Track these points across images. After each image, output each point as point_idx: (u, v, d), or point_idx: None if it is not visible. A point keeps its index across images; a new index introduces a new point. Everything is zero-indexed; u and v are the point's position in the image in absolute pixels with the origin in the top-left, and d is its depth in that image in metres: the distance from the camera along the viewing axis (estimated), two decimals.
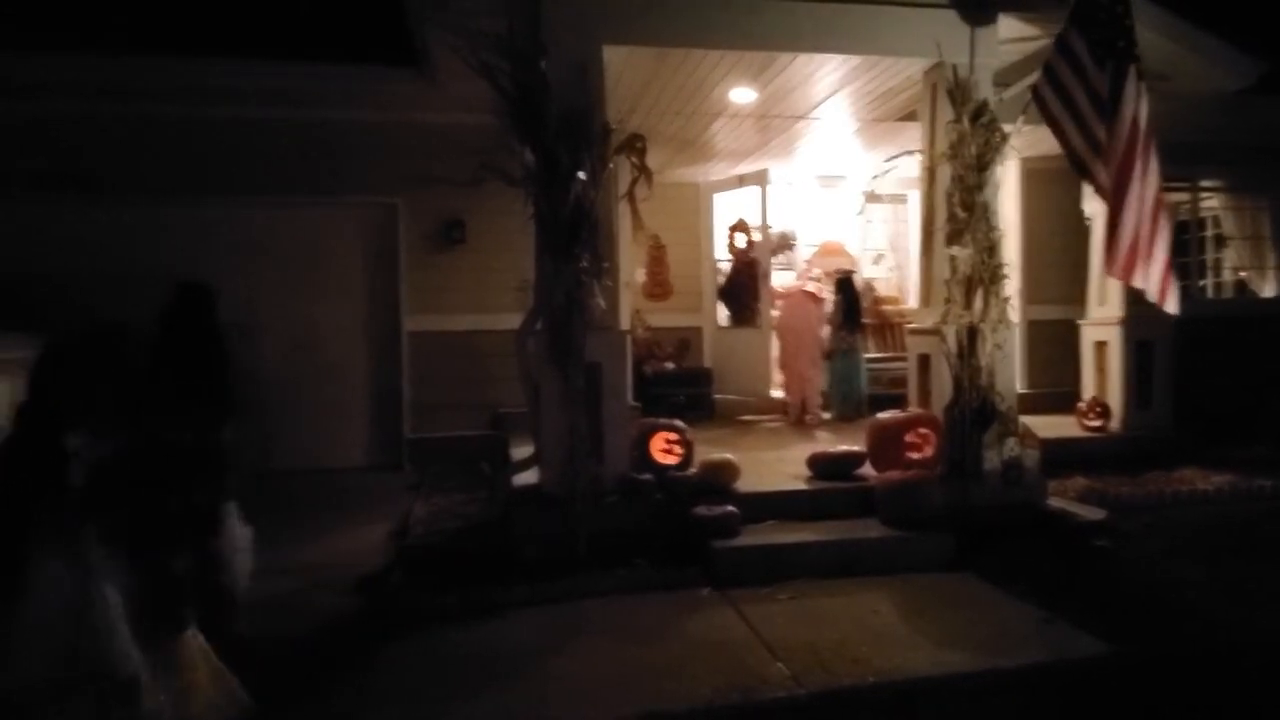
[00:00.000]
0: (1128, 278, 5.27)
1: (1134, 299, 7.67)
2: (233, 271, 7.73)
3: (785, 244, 10.26)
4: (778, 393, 9.25)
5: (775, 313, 9.07)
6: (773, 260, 9.62)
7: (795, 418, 8.43)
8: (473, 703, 3.39)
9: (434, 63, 6.71)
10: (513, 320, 5.70)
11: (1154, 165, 5.12)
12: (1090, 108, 5.29)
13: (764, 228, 9.34)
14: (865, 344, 9.28)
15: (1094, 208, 8.17)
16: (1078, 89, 5.34)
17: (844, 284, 8.87)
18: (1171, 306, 5.25)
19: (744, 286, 9.52)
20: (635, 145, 5.23)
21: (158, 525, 2.72)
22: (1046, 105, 5.51)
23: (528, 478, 5.47)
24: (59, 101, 7.37)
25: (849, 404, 8.63)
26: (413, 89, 7.52)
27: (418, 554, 5.07)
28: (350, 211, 8.13)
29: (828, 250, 10.38)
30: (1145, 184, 5.10)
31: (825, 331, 8.64)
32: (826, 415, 8.52)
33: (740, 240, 9.55)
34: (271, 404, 7.70)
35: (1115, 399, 7.68)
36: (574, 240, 4.97)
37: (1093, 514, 5.57)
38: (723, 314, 9.93)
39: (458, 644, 3.93)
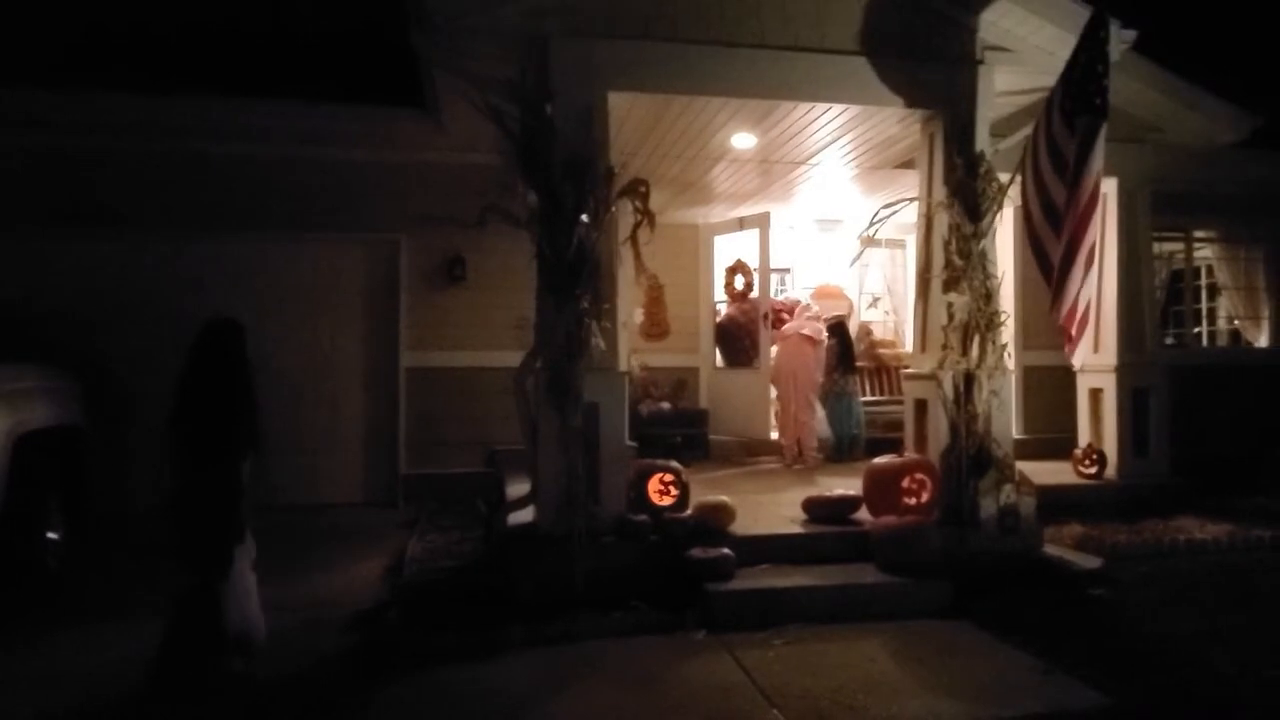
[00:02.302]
0: (1070, 329, 5.39)
1: (1129, 346, 7.76)
2: (238, 306, 7.74)
3: (793, 306, 10.26)
4: (773, 434, 9.27)
5: (774, 353, 9.12)
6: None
7: (791, 460, 8.43)
8: None
9: (441, 105, 6.82)
10: (511, 358, 5.73)
11: (1098, 222, 5.24)
12: (1051, 165, 5.37)
13: (764, 270, 9.42)
14: (859, 387, 9.33)
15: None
16: (1045, 145, 5.44)
17: (837, 328, 8.95)
18: (1076, 360, 5.54)
19: (742, 328, 9.57)
20: (638, 190, 5.29)
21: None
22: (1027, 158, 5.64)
23: (523, 516, 5.46)
24: (77, 136, 7.46)
25: (843, 447, 8.66)
26: (419, 130, 7.63)
27: (413, 592, 5.04)
28: (353, 248, 8.19)
29: (825, 293, 10.45)
30: (1091, 238, 5.22)
31: (821, 374, 8.69)
32: (821, 458, 8.52)
33: (739, 282, 9.62)
34: (270, 438, 7.69)
35: (1111, 446, 7.69)
36: (575, 281, 5.02)
37: (1089, 562, 5.56)
38: (719, 355, 9.97)
39: (454, 684, 3.90)
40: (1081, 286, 5.24)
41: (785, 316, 9.11)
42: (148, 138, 7.57)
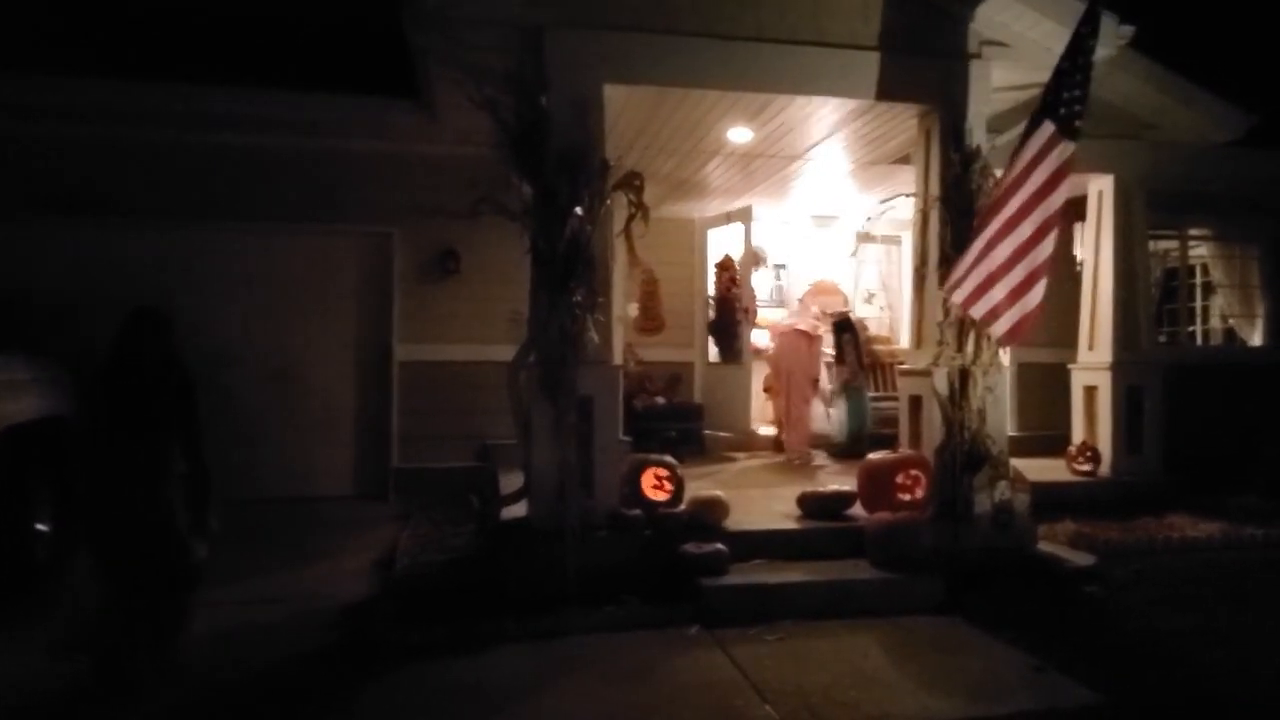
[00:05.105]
0: (966, 309, 5.33)
1: (1124, 344, 7.76)
2: (228, 297, 7.79)
3: (756, 260, 10.19)
4: (767, 429, 9.25)
5: (768, 348, 9.11)
6: (751, 281, 9.59)
7: (789, 456, 8.41)
8: None
9: (435, 95, 6.77)
10: (504, 352, 5.69)
11: (1040, 217, 5.07)
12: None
13: (746, 264, 9.39)
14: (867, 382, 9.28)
15: (1085, 253, 8.28)
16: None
17: (845, 324, 8.93)
18: (998, 329, 5.27)
19: (728, 322, 9.55)
20: (633, 183, 5.26)
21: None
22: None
23: (516, 511, 5.43)
24: (65, 123, 7.38)
25: (850, 441, 8.58)
26: (413, 121, 7.57)
27: (404, 586, 5.01)
28: (346, 240, 8.14)
29: (821, 289, 10.42)
30: (1016, 232, 5.09)
31: (822, 370, 8.68)
32: (818, 454, 8.50)
33: (725, 277, 9.60)
34: (258, 431, 7.66)
35: (1105, 444, 7.70)
36: (569, 274, 4.99)
37: (1082, 559, 5.56)
38: (714, 350, 9.95)
39: (443, 680, 3.87)
40: (975, 264, 5.20)
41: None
42: (136, 126, 7.49)
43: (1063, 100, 5.06)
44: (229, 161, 7.70)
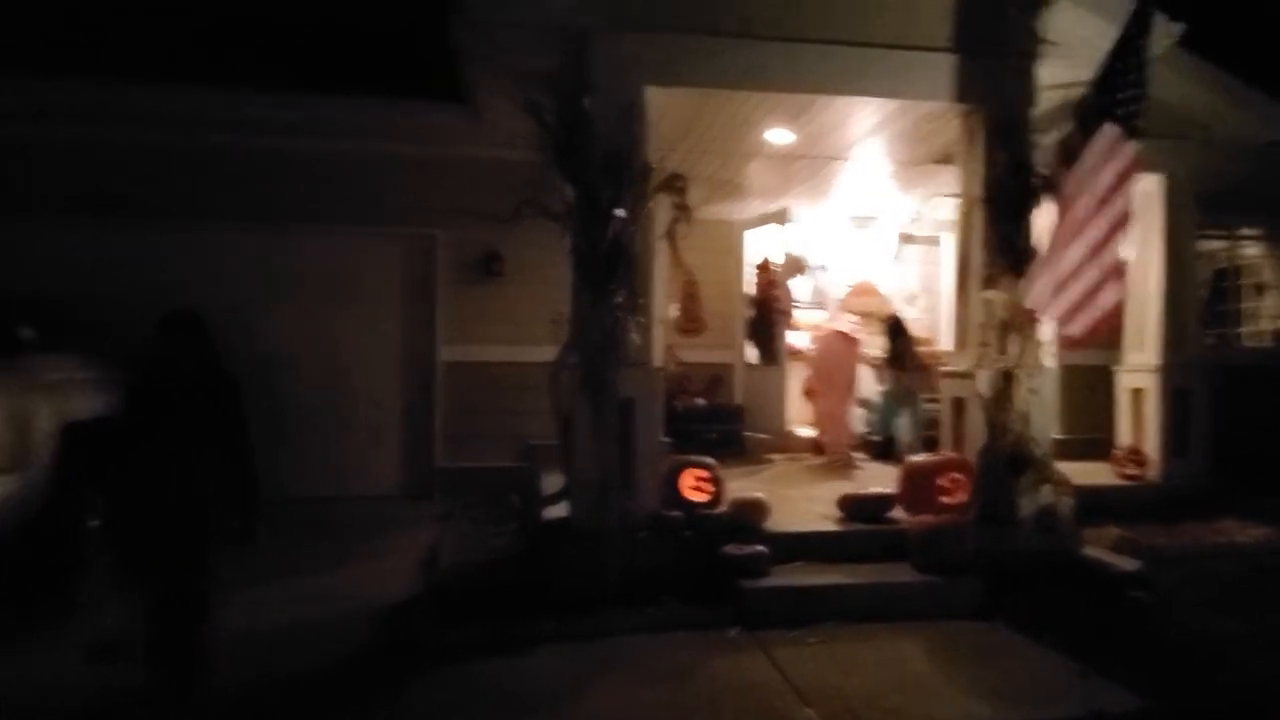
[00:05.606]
0: (1043, 311, 5.35)
1: (1172, 346, 7.62)
2: (272, 299, 7.93)
3: (798, 267, 10.15)
4: (806, 431, 9.21)
5: (808, 349, 9.07)
6: (790, 283, 9.55)
7: (830, 457, 8.36)
8: None
9: (479, 99, 6.84)
10: (546, 353, 5.75)
11: (1110, 219, 5.06)
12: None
13: (786, 267, 9.36)
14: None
15: (1131, 252, 8.13)
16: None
17: (896, 327, 8.84)
18: (1074, 328, 5.28)
19: (765, 323, 9.53)
20: (675, 185, 5.29)
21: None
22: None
23: (557, 511, 5.48)
24: (101, 127, 7.51)
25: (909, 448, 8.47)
26: (457, 124, 7.65)
27: (446, 585, 5.07)
28: (390, 242, 8.25)
29: (861, 290, 10.35)
30: (1087, 233, 5.10)
31: (862, 372, 8.62)
32: (858, 455, 8.45)
33: (763, 279, 9.58)
34: (305, 431, 7.80)
35: (1152, 447, 7.57)
36: (611, 276, 5.03)
37: (1127, 564, 5.48)
38: (752, 351, 9.93)
39: (485, 679, 3.94)
40: (1070, 269, 5.19)
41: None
42: (186, 131, 7.62)
43: (1118, 100, 5.00)
44: (278, 165, 7.82)
